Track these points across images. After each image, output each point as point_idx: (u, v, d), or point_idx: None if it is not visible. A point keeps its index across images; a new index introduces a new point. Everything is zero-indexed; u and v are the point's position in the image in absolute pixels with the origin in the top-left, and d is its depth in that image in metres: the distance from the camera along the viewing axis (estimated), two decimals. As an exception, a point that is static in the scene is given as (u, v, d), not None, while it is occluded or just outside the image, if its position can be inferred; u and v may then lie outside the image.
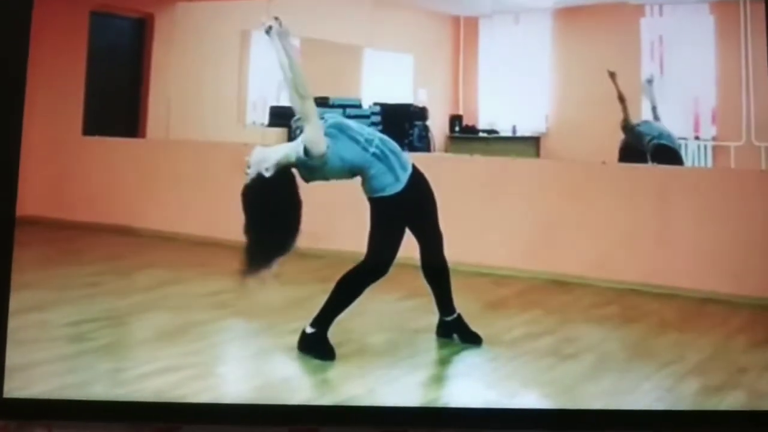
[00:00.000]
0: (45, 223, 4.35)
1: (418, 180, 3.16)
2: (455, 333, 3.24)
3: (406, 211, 3.13)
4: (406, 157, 3.16)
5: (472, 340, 3.23)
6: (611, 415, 2.65)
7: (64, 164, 4.48)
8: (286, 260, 3.75)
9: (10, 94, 2.68)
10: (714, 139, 4.89)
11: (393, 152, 3.13)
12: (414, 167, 3.16)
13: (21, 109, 2.70)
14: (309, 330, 3.08)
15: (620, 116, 4.52)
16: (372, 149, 3.09)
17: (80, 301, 3.45)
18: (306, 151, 2.98)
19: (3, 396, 2.56)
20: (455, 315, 3.25)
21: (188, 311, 3.43)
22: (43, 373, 2.70)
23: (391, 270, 3.05)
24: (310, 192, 4.22)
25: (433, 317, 3.27)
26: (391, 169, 3.11)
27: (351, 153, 3.07)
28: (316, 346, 3.05)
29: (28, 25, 2.75)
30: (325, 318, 3.08)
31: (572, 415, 2.67)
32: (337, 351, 3.02)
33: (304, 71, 3.05)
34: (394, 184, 3.11)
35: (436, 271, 3.21)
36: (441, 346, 3.22)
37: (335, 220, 4.18)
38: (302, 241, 4.15)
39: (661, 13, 5.08)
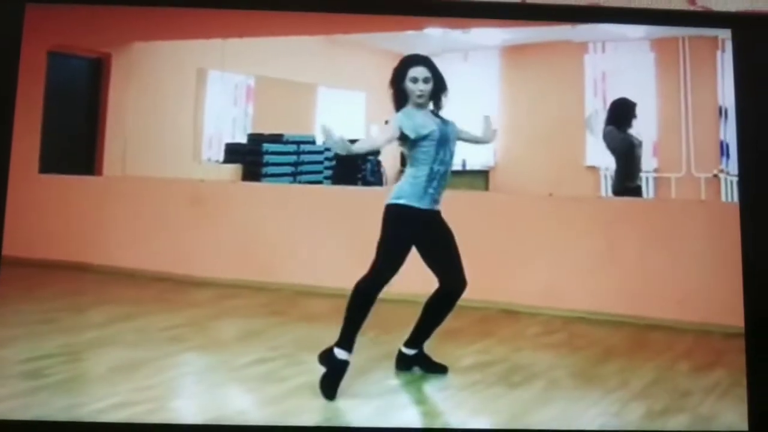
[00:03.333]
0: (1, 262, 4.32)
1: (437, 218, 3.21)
2: (417, 366, 3.27)
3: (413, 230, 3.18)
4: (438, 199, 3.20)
5: (437, 370, 3.25)
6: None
7: (20, 202, 4.45)
8: (239, 294, 3.78)
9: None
10: (656, 171, 5.02)
11: (439, 186, 3.18)
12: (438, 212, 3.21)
13: (9, 146, 2.69)
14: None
15: (565, 151, 4.63)
16: (436, 165, 3.17)
17: (36, 338, 3.44)
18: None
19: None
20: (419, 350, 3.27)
21: (144, 346, 3.44)
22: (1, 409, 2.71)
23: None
24: (264, 225, 4.28)
25: (382, 348, 3.31)
26: (425, 190, 3.16)
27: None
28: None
29: (17, 64, 2.76)
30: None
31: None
32: (290, 384, 3.05)
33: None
34: (417, 199, 3.15)
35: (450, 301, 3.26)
36: (396, 377, 3.24)
37: (290, 253, 4.21)
38: (256, 274, 4.21)
39: (603, 50, 5.24)
